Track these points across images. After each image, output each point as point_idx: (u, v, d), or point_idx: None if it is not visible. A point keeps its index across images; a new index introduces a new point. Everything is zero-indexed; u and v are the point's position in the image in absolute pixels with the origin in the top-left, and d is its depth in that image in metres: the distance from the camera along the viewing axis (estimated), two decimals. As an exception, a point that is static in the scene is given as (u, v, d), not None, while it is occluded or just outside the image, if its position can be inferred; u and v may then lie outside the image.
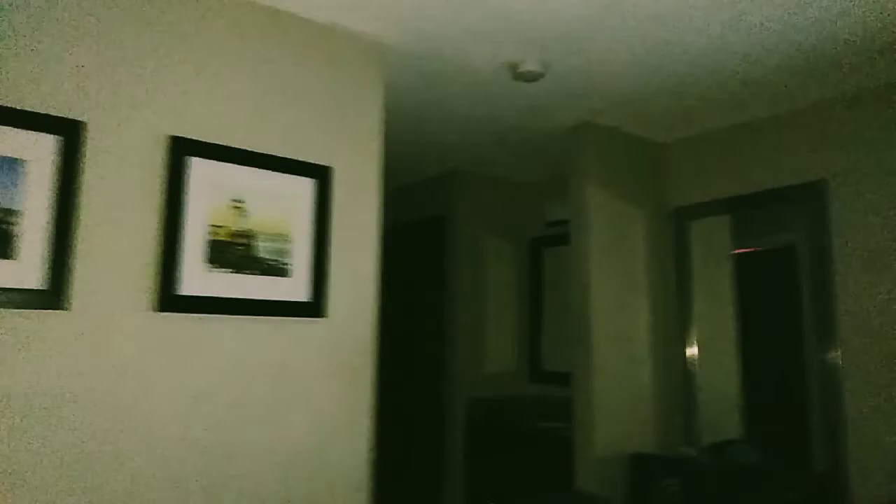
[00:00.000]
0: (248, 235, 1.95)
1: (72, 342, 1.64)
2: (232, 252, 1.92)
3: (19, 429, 1.55)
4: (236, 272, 1.91)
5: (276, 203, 2.02)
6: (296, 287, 2.03)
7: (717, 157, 3.28)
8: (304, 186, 2.08)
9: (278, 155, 2.05)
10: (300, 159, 2.08)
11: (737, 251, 3.56)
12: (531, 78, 2.52)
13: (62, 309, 1.62)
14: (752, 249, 3.63)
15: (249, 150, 1.99)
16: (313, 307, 2.05)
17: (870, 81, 2.63)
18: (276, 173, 2.03)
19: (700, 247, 3.45)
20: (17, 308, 1.56)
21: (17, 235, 1.60)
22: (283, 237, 2.02)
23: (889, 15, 2.10)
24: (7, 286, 1.56)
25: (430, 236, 4.36)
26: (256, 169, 1.99)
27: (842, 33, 2.23)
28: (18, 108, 1.62)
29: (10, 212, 1.59)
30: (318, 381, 2.06)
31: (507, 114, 3.07)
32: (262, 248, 1.97)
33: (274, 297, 1.98)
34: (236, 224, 1.93)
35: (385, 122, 3.19)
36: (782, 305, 3.33)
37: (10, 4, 1.65)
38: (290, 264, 2.02)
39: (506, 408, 3.99)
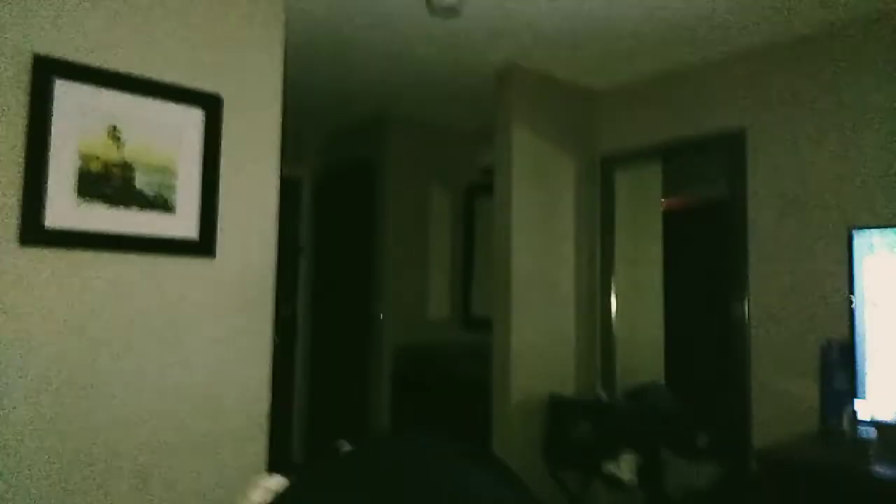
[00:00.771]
0: (125, 167, 1.82)
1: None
2: (107, 184, 1.79)
3: None
4: (112, 206, 1.79)
5: (159, 133, 1.88)
6: (182, 224, 1.92)
7: (644, 105, 3.24)
8: (191, 116, 1.94)
9: (162, 80, 1.90)
10: (186, 86, 1.94)
11: (665, 201, 3.58)
12: (447, 13, 2.41)
13: None
14: (679, 200, 3.66)
15: (129, 73, 1.84)
16: (202, 246, 1.95)
17: (786, 34, 2.61)
18: (158, 101, 1.89)
19: (627, 196, 3.44)
20: None
21: None
22: (167, 170, 1.90)
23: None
24: None
25: (360, 182, 4.24)
26: (137, 95, 1.85)
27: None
28: None
29: None
30: (208, 322, 1.98)
31: (427, 52, 2.95)
32: (143, 182, 1.85)
33: (157, 234, 1.87)
34: (112, 154, 1.80)
35: (301, 59, 3.03)
36: (705, 256, 3.37)
37: None
38: (175, 199, 1.91)
39: (434, 355, 3.98)
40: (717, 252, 3.01)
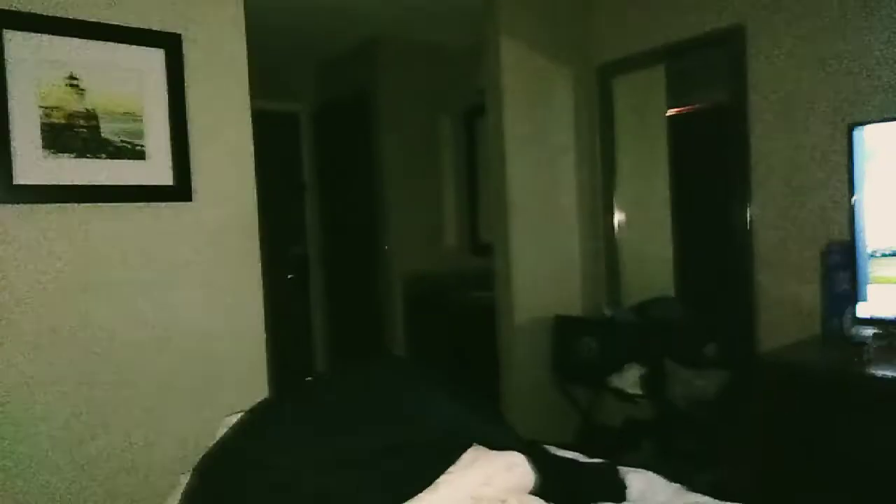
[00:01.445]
0: (89, 116, 1.79)
1: None
2: (72, 135, 1.77)
3: None
4: (80, 157, 1.78)
5: (120, 78, 1.84)
6: (155, 170, 1.90)
7: (642, 6, 3.04)
8: (152, 58, 1.89)
9: (116, 23, 1.84)
10: (142, 27, 1.88)
11: (669, 108, 3.43)
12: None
13: None
14: (684, 106, 3.50)
15: (81, 18, 1.79)
16: (177, 191, 1.93)
17: None
18: (115, 45, 1.83)
19: (629, 105, 3.30)
20: None
21: None
22: (133, 116, 1.86)
23: None
24: None
25: (358, 112, 4.16)
26: (92, 40, 1.80)
27: None
28: None
29: None
30: (195, 266, 1.99)
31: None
32: (109, 130, 1.82)
33: (130, 182, 1.86)
34: (73, 104, 1.77)
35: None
36: (710, 163, 3.25)
37: None
38: (145, 145, 1.88)
39: (442, 283, 4.00)
40: (721, 158, 2.90)
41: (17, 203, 1.70)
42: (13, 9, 1.69)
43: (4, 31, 1.67)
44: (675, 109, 3.42)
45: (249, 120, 2.10)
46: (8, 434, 1.68)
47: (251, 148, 2.11)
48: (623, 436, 3.00)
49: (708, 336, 2.84)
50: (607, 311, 3.10)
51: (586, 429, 3.07)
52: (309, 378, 1.24)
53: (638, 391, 2.68)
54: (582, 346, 2.94)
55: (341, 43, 4.02)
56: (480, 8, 3.07)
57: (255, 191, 2.12)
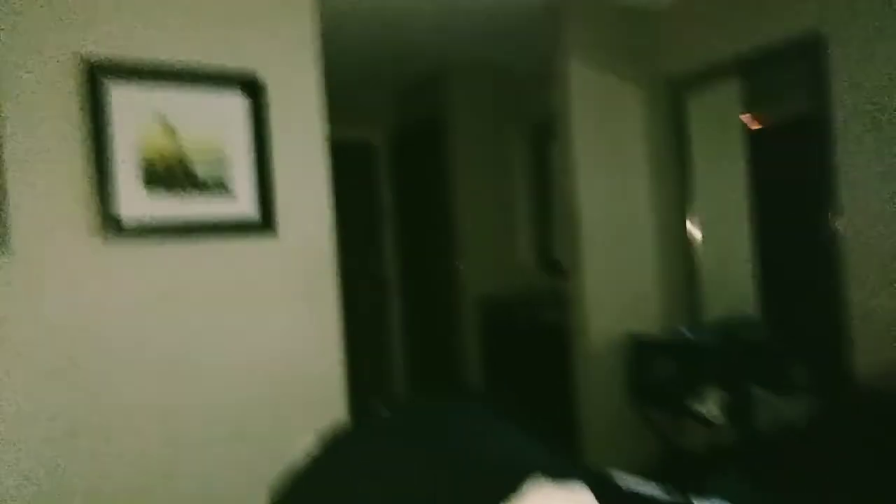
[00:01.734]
0: (182, 156, 1.95)
1: (17, 281, 1.72)
2: (167, 175, 1.93)
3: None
4: (174, 195, 1.93)
5: (208, 120, 1.99)
6: (242, 207, 2.04)
7: (711, 19, 2.98)
8: (235, 101, 2.03)
9: (203, 71, 2.00)
10: (227, 73, 2.03)
11: (746, 120, 3.32)
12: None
13: (3, 254, 1.69)
14: (761, 116, 3.38)
15: (173, 68, 1.95)
16: (262, 225, 2.06)
17: None
18: (203, 90, 1.99)
19: (702, 118, 3.23)
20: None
21: (-56, 181, 1.65)
22: (220, 154, 2.01)
23: None
24: (-58, 231, 1.63)
25: (432, 137, 4.26)
26: (182, 87, 1.96)
27: None
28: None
29: (-67, 159, 1.64)
30: (279, 296, 2.11)
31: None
32: (200, 168, 1.97)
33: (219, 218, 2.00)
34: (168, 146, 1.93)
35: (350, 25, 3.07)
36: (793, 174, 3.12)
37: None
38: (232, 183, 2.02)
39: (516, 302, 4.01)
40: (806, 169, 2.78)
41: (119, 238, 1.86)
42: (114, 60, 1.86)
43: (109, 81, 1.84)
44: (753, 121, 3.31)
45: (327, 153, 2.22)
46: (105, 451, 1.83)
47: (329, 180, 2.22)
48: (705, 463, 2.89)
49: (795, 358, 2.71)
50: (686, 332, 3.02)
51: (666, 455, 2.98)
52: (382, 409, 1.30)
53: (720, 417, 2.59)
54: (659, 367, 2.87)
55: (414, 71, 4.14)
56: (546, 30, 3.11)
57: (333, 220, 2.22)
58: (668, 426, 3.00)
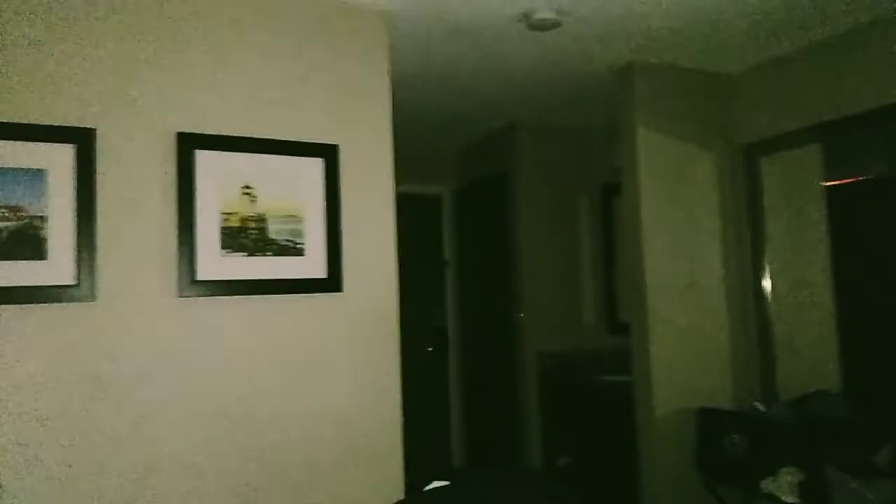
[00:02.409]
0: (259, 219, 2.05)
1: (100, 330, 1.84)
2: (245, 236, 2.03)
3: (59, 407, 1.77)
4: (250, 255, 2.03)
5: (285, 185, 2.10)
6: (311, 265, 2.11)
7: (790, 84, 2.93)
8: (312, 167, 2.14)
9: (283, 139, 2.11)
10: (306, 141, 2.14)
11: (827, 184, 3.21)
12: (547, 26, 2.39)
13: (90, 300, 1.82)
14: (844, 181, 3.26)
15: (255, 137, 2.08)
16: (329, 283, 2.13)
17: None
18: (282, 157, 2.10)
19: (779, 183, 3.14)
20: (51, 302, 1.77)
21: (47, 238, 1.80)
22: (295, 218, 2.10)
23: None
24: (41, 283, 1.77)
25: (496, 191, 4.31)
26: (263, 154, 2.08)
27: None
28: (33, 122, 1.80)
29: (39, 218, 1.79)
30: (341, 352, 2.16)
31: (533, 63, 2.93)
32: (274, 230, 2.07)
33: (290, 276, 2.08)
34: (247, 209, 2.04)
35: (417, 89, 3.18)
36: (881, 238, 2.96)
37: (14, 20, 1.82)
38: (304, 243, 2.11)
39: (579, 361, 3.93)
40: (892, 232, 2.64)
41: (198, 296, 1.96)
42: (202, 132, 2.00)
43: (196, 151, 1.98)
44: (835, 185, 3.19)
45: (394, 213, 2.29)
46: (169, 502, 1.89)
47: (394, 239, 2.28)
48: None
49: (881, 439, 2.53)
50: (759, 405, 2.87)
51: (736, 535, 2.81)
52: (437, 486, 1.30)
53: (796, 500, 2.43)
54: (730, 443, 2.74)
55: (480, 128, 4.23)
56: (615, 93, 3.13)
57: (397, 278, 2.27)
58: (738, 504, 2.84)
